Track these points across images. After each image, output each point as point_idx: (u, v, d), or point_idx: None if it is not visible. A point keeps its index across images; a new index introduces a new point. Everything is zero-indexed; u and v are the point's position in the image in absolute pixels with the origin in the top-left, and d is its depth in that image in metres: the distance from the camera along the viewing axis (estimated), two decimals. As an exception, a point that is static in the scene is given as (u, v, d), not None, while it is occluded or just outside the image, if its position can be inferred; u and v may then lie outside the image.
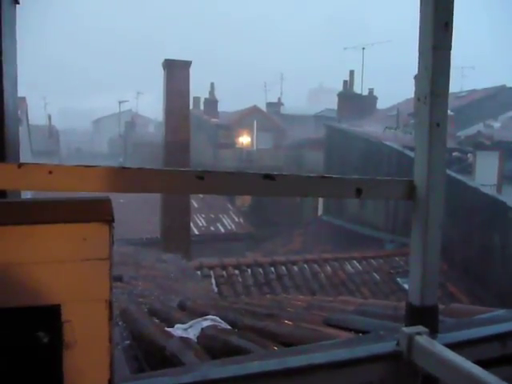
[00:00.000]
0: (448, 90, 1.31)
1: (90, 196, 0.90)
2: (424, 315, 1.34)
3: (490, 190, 9.92)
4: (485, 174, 12.05)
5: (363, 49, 22.51)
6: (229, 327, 2.13)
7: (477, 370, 1.09)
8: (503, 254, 8.14)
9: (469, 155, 13.59)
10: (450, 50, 1.30)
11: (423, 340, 1.24)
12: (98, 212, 0.84)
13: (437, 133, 1.30)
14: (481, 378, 1.06)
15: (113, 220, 0.85)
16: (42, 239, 0.80)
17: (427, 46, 1.29)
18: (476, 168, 12.66)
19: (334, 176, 1.29)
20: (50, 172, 1.00)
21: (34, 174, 1.00)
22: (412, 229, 1.36)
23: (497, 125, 16.68)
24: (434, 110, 1.28)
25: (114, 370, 0.87)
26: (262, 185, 1.21)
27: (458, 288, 8.21)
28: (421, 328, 1.29)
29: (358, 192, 1.29)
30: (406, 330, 1.28)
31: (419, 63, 1.32)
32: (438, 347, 1.21)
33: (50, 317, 0.81)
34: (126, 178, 1.08)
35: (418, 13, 1.31)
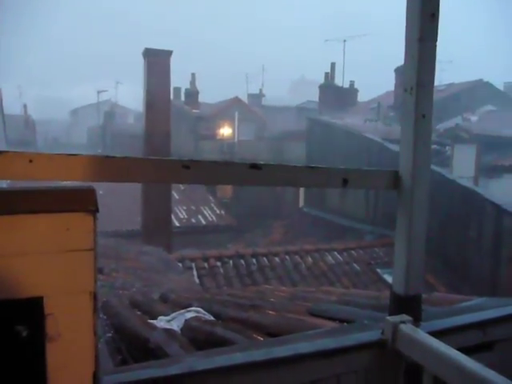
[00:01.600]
0: (433, 81, 1.32)
1: (72, 185, 0.87)
2: (408, 304, 1.36)
3: (468, 182, 10.11)
4: (462, 166, 12.29)
5: (344, 41, 22.60)
6: (213, 318, 2.12)
7: (460, 357, 1.11)
8: (479, 245, 8.34)
9: (447, 148, 13.82)
10: (436, 41, 1.30)
11: (407, 328, 1.26)
12: (81, 201, 0.82)
13: (422, 124, 1.31)
14: (464, 364, 1.08)
15: (97, 210, 0.83)
16: (24, 229, 0.78)
17: (414, 37, 1.29)
18: (454, 160, 12.91)
19: (320, 166, 1.29)
20: (31, 160, 0.97)
21: (14, 162, 0.96)
22: (397, 219, 1.37)
23: (474, 118, 16.97)
24: (420, 101, 1.29)
25: (98, 363, 0.86)
26: (248, 174, 1.20)
27: (437, 279, 8.38)
28: (405, 317, 1.31)
29: (345, 182, 1.29)
30: (391, 318, 1.30)
31: (406, 54, 1.32)
32: (421, 335, 1.23)
33: (32, 309, 0.79)
34: (110, 167, 1.06)
35: (405, 3, 1.31)
